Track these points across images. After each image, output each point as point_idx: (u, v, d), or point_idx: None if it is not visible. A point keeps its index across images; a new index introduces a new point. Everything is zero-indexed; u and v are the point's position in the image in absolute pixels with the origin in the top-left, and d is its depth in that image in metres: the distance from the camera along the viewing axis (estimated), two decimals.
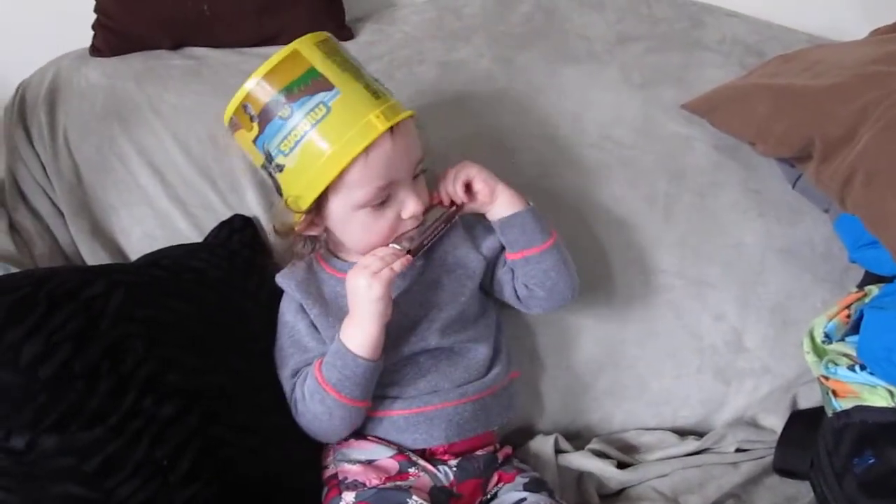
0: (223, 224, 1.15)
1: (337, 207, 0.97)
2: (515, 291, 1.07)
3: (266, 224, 1.16)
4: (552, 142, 1.23)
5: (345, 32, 1.30)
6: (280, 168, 0.95)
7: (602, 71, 1.28)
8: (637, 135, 1.24)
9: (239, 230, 1.14)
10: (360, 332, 0.93)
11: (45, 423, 0.80)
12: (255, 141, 0.95)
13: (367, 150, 0.92)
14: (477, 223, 1.09)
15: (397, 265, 0.93)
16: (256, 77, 0.93)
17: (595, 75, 1.27)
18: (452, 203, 1.03)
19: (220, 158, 1.19)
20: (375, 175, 0.94)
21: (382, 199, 0.96)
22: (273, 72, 0.93)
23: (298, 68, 0.92)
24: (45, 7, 1.32)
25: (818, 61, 1.14)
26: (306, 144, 0.92)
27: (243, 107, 0.94)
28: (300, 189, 0.95)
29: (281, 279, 1.04)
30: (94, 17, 1.25)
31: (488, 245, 1.07)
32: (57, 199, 1.20)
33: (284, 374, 1.01)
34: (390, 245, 0.97)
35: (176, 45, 1.27)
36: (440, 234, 1.01)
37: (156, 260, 1.03)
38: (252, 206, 1.18)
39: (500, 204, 1.03)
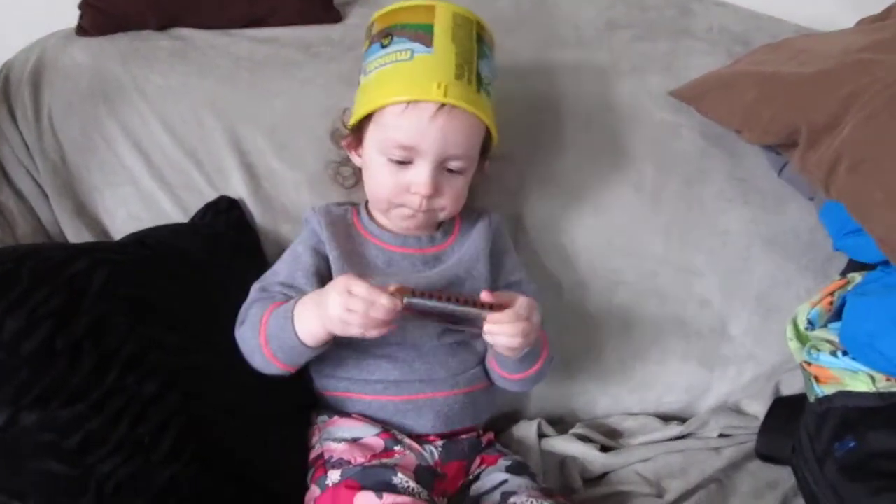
0: (209, 205, 1.15)
1: (369, 141, 1.01)
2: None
3: (252, 206, 1.17)
4: (540, 127, 1.23)
5: (333, 14, 1.30)
6: (359, 83, 1.02)
7: (591, 57, 1.28)
8: (625, 121, 1.25)
9: (225, 211, 1.14)
10: (310, 322, 0.91)
11: (26, 400, 0.80)
12: (363, 53, 1.03)
13: (409, 104, 0.95)
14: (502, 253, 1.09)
15: (374, 328, 0.88)
16: (390, 7, 1.01)
17: (584, 61, 1.27)
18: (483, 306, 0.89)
19: (205, 140, 1.19)
20: (402, 130, 0.96)
21: (400, 160, 0.97)
22: (403, 9, 1.00)
23: (421, 18, 0.99)
24: None
25: (804, 50, 1.15)
26: (378, 73, 0.98)
27: (371, 24, 1.04)
28: (356, 106, 1.01)
29: (312, 213, 1.05)
30: None
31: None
32: (41, 179, 1.19)
33: (257, 285, 1.01)
34: (391, 287, 0.88)
35: (163, 26, 1.26)
36: (444, 315, 0.89)
37: (140, 239, 1.02)
38: (238, 187, 1.17)
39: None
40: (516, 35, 1.28)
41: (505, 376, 1.03)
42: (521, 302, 0.91)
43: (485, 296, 0.90)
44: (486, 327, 0.90)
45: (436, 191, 0.98)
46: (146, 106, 1.19)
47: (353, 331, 0.88)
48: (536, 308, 0.93)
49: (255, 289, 1.01)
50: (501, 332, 0.90)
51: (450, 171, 0.99)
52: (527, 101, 1.24)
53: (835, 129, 1.03)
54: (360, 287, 0.87)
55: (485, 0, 1.31)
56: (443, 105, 0.95)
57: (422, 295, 0.87)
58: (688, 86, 1.23)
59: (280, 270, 1.02)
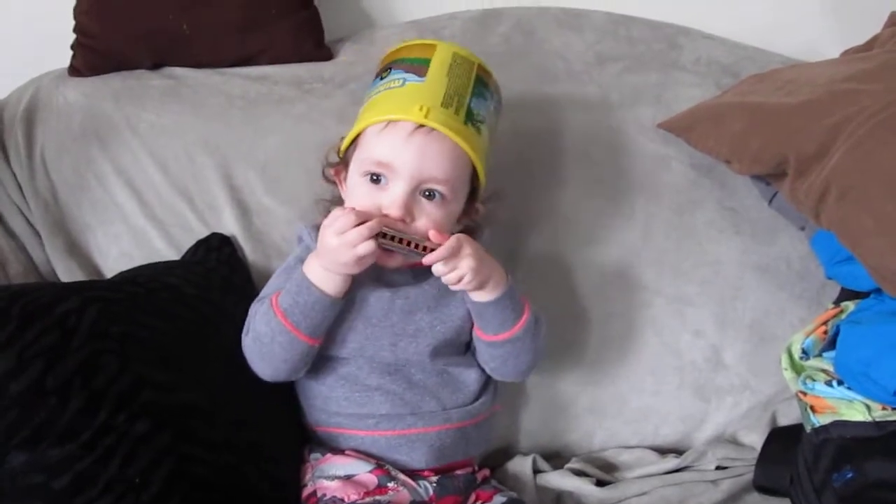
0: (200, 242, 1.15)
1: (352, 166, 0.99)
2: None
3: (243, 243, 1.17)
4: (530, 160, 1.24)
5: (324, 52, 1.31)
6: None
7: (580, 90, 1.29)
8: (615, 153, 1.25)
9: (216, 248, 1.14)
10: (323, 273, 0.94)
11: (16, 440, 0.79)
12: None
13: (389, 123, 0.95)
14: None
15: (364, 245, 0.91)
16: (396, 47, 1.03)
17: (573, 95, 1.28)
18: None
19: (197, 177, 1.19)
20: (379, 147, 0.95)
21: (376, 172, 0.95)
22: (406, 47, 1.02)
23: (421, 53, 1.00)
24: (24, 28, 1.33)
25: (791, 80, 1.16)
26: (370, 101, 1.00)
27: (382, 61, 1.04)
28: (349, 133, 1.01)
29: (304, 229, 1.05)
30: (73, 37, 1.25)
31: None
32: (33, 218, 1.19)
33: (255, 301, 1.01)
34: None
35: (155, 65, 1.27)
36: (410, 253, 0.93)
37: (131, 277, 1.02)
38: (229, 225, 1.17)
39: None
40: (506, 70, 1.27)
41: (490, 339, 1.00)
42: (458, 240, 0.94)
43: (432, 235, 0.92)
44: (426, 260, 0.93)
45: (407, 213, 0.94)
46: (138, 144, 1.20)
47: (361, 250, 0.90)
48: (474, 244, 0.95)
49: (254, 305, 1.01)
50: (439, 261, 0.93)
51: (428, 197, 0.95)
52: (517, 135, 1.24)
53: (823, 159, 1.04)
54: (346, 219, 0.91)
55: (474, 36, 1.33)
56: (421, 126, 0.93)
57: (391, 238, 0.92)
58: (677, 117, 1.24)
59: (274, 284, 1.02)
